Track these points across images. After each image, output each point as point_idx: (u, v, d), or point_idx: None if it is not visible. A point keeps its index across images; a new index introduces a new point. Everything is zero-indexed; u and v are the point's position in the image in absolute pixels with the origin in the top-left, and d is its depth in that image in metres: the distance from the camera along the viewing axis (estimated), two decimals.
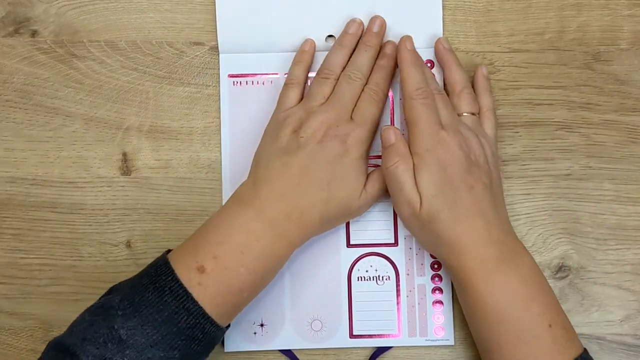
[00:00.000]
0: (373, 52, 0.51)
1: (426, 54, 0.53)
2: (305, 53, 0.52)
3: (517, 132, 0.53)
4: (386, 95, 0.51)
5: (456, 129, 0.47)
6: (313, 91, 0.50)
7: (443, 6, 0.53)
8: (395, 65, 0.51)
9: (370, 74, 0.51)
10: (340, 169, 0.47)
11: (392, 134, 0.48)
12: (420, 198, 0.46)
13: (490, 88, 0.52)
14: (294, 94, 0.50)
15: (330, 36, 0.53)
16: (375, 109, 0.49)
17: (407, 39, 0.50)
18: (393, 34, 0.53)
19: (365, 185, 0.49)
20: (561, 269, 0.52)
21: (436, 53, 0.52)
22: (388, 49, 0.51)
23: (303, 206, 0.46)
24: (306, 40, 0.53)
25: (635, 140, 0.53)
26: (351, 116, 0.49)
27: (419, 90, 0.48)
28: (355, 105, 0.49)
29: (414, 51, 0.50)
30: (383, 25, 0.52)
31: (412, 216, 0.47)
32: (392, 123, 0.53)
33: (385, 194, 0.50)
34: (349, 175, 0.48)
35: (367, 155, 0.50)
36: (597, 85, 0.54)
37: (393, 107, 0.53)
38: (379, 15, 0.52)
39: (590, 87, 0.54)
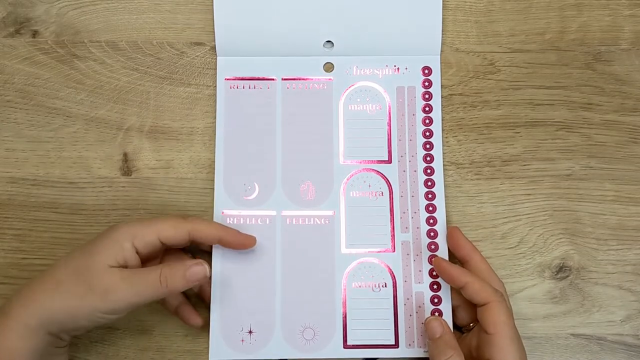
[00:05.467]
0: None
1: (425, 61, 0.53)
2: None
3: (518, 132, 0.53)
4: None
5: None
6: None
7: (443, 6, 0.53)
8: None
9: None
10: None
11: (438, 326, 0.46)
12: None
13: None
14: None
15: (328, 42, 0.53)
16: None
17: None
18: (393, 35, 0.53)
19: None
20: (562, 269, 0.52)
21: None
22: None
23: None
24: None
25: (636, 141, 0.53)
26: None
27: None
28: None
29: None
30: None
31: None
32: (390, 136, 0.52)
33: None
34: None
35: None
36: (597, 85, 0.54)
37: (390, 116, 0.53)
38: None
39: (591, 87, 0.54)
